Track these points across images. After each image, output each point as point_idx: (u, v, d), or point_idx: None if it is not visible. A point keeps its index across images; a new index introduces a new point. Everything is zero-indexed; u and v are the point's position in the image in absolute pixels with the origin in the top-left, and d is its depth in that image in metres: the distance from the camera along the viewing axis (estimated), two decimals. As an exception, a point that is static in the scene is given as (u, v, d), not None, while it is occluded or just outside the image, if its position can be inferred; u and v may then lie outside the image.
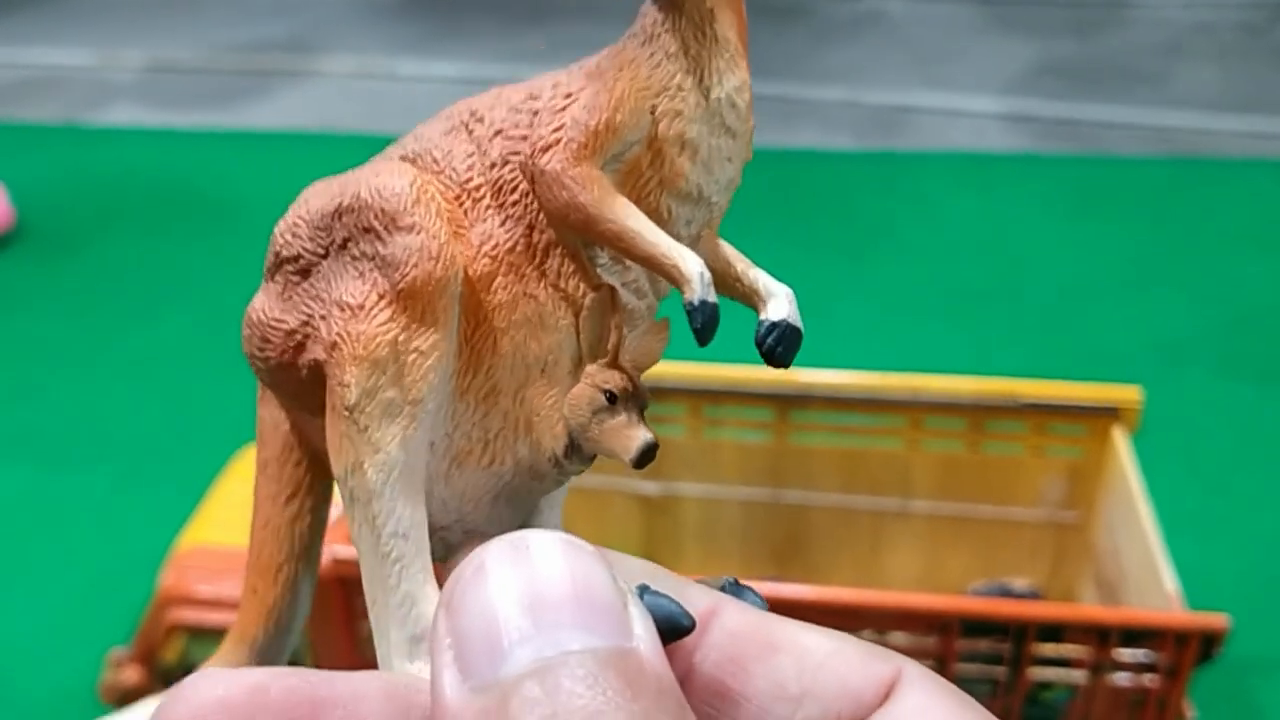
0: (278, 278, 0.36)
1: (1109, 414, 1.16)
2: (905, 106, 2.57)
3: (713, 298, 0.33)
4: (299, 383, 0.35)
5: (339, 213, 0.34)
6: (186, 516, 1.17)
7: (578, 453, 0.35)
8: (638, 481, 1.25)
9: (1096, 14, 3.04)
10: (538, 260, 0.35)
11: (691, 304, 0.33)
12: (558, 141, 0.34)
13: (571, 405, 0.35)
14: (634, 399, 0.35)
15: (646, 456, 0.34)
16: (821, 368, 1.19)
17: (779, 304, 0.35)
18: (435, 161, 0.35)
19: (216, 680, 0.27)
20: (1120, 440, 1.15)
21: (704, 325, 0.33)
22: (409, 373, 0.33)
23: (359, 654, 1.02)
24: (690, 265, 0.33)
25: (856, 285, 1.91)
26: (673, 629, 0.28)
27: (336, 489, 0.35)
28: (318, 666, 1.02)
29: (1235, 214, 2.15)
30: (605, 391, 0.35)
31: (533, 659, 0.25)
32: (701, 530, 1.26)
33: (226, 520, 1.12)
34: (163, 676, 1.08)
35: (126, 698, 1.08)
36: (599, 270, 0.35)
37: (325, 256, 0.35)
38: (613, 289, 0.35)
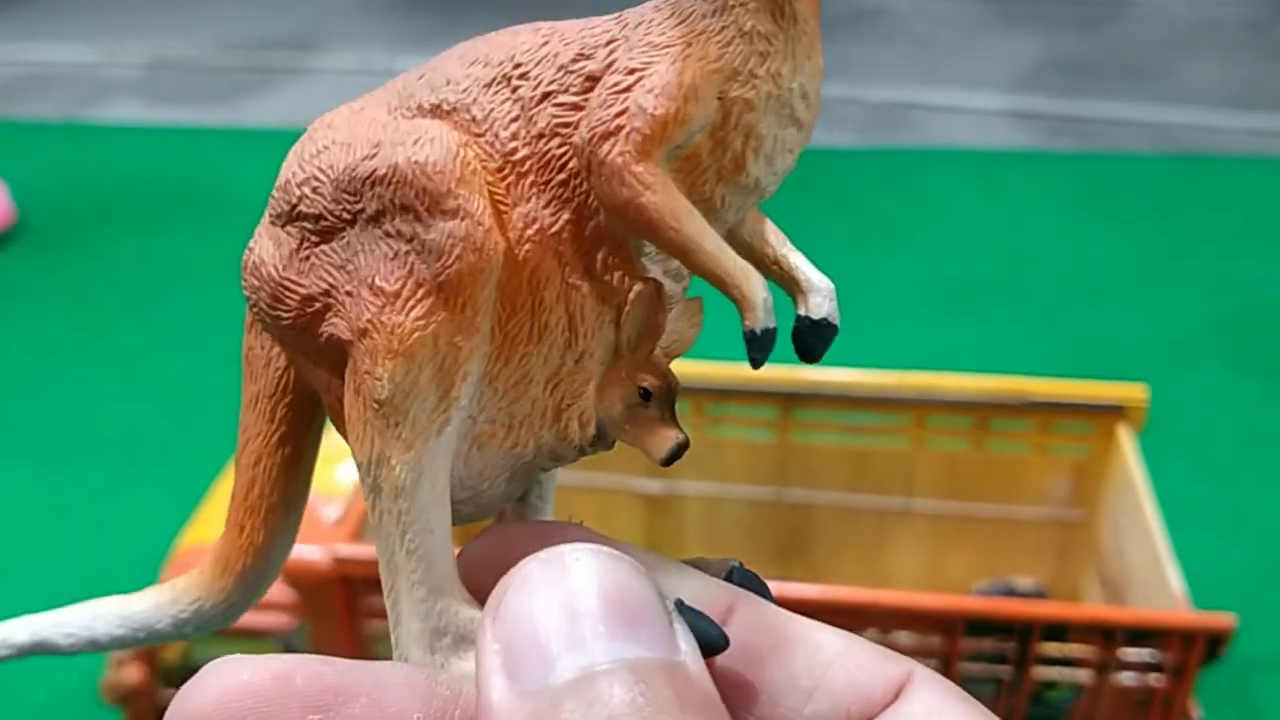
0: (290, 230, 0.33)
1: (1115, 412, 1.16)
2: (908, 103, 2.57)
3: (773, 323, 0.31)
4: (313, 346, 0.33)
5: (371, 180, 0.31)
6: (187, 514, 1.16)
7: (602, 440, 0.34)
8: (640, 480, 1.25)
9: (1100, 10, 3.03)
10: (583, 249, 0.32)
11: (752, 331, 0.31)
12: (619, 130, 0.31)
13: (605, 398, 0.34)
14: (667, 395, 0.34)
15: (676, 456, 0.33)
16: (826, 365, 1.18)
17: (820, 300, 0.33)
18: (475, 121, 0.32)
19: (241, 666, 0.27)
20: (1126, 438, 1.14)
21: (762, 354, 0.31)
22: (446, 369, 0.31)
23: (361, 654, 1.01)
24: (755, 290, 0.31)
25: (860, 282, 1.90)
26: (708, 645, 0.28)
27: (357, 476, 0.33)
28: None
29: (1240, 210, 2.15)
30: (640, 388, 0.33)
31: (583, 665, 0.25)
32: (705, 529, 1.26)
33: (227, 519, 1.11)
34: (164, 675, 1.08)
35: (128, 697, 1.08)
36: (644, 260, 0.33)
37: (352, 224, 0.32)
38: (659, 285, 0.33)
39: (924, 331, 1.80)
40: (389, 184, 0.31)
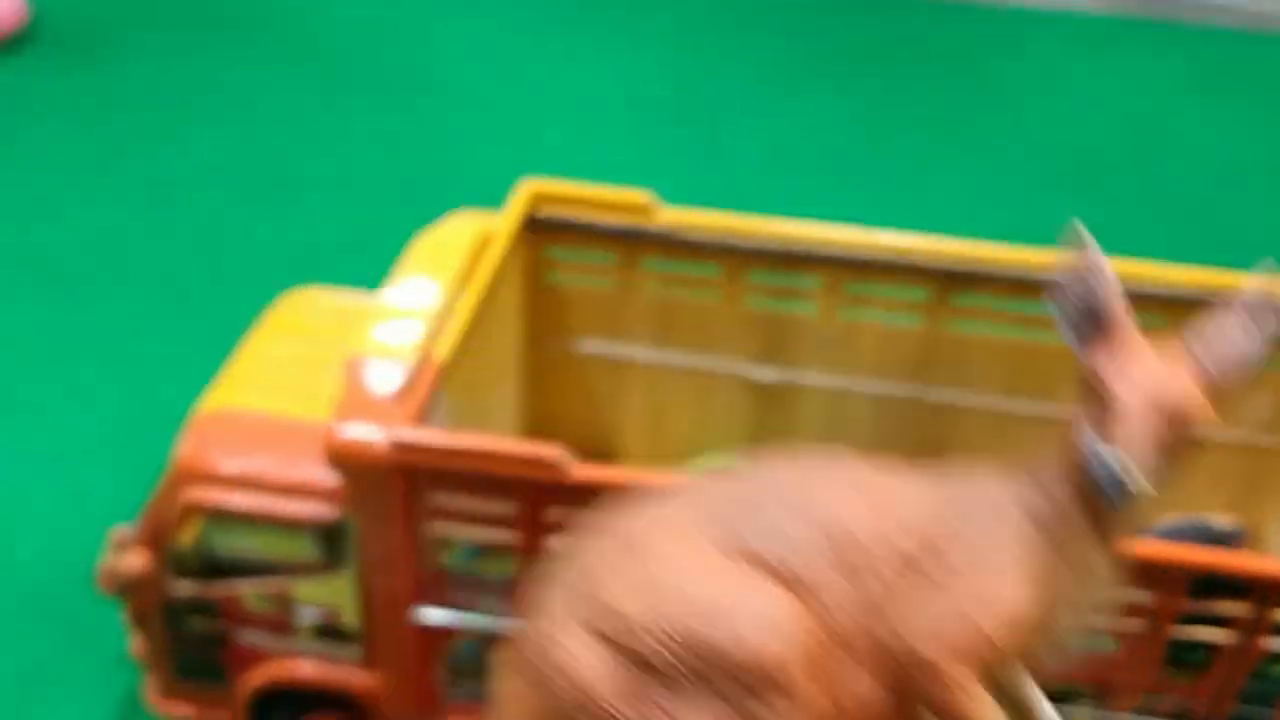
0: (619, 656, 0.39)
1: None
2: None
3: None
4: None
5: (712, 648, 0.38)
6: (213, 366, 0.99)
7: None
8: (750, 365, 1.06)
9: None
10: None
11: None
12: (949, 639, 0.38)
13: None
14: None
15: None
16: (992, 239, 0.99)
17: None
18: (810, 593, 0.39)
19: None
20: (1359, 354, 0.94)
21: None
22: None
23: (419, 560, 0.83)
24: None
25: (985, 152, 1.73)
26: None
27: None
28: (362, 560, 0.84)
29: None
30: None
31: None
32: (824, 429, 1.07)
33: (260, 381, 0.93)
34: (175, 564, 0.90)
35: (131, 587, 0.90)
36: None
37: (685, 676, 0.38)
38: None
39: (1045, 209, 1.62)
40: (729, 659, 0.38)
